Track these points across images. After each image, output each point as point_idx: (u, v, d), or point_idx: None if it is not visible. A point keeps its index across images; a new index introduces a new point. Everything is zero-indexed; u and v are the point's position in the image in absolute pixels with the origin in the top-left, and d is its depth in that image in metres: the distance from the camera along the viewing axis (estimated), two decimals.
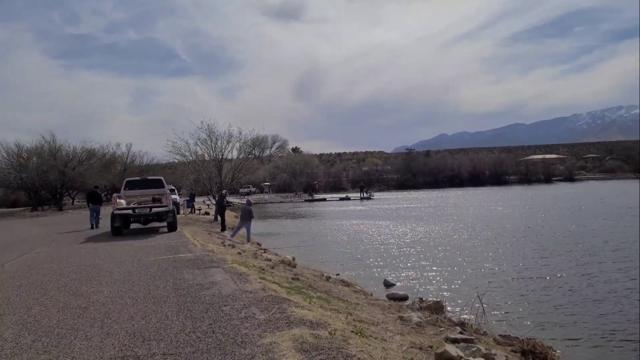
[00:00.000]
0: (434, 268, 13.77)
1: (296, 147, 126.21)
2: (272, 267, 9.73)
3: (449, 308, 8.35)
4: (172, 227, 16.36)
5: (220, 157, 26.35)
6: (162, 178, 18.03)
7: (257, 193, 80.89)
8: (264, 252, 15.57)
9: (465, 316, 7.29)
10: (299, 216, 38.40)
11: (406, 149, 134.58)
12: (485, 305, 8.03)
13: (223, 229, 21.07)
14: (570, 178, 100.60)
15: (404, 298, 10.32)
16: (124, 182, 17.69)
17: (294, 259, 16.02)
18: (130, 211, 15.35)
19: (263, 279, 7.40)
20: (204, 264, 8.74)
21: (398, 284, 11.89)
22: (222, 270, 7.90)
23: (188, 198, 33.47)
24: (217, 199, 23.40)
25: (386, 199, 58.75)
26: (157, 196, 17.01)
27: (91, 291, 6.65)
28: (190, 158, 26.65)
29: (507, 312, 8.75)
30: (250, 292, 6.06)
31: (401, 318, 5.91)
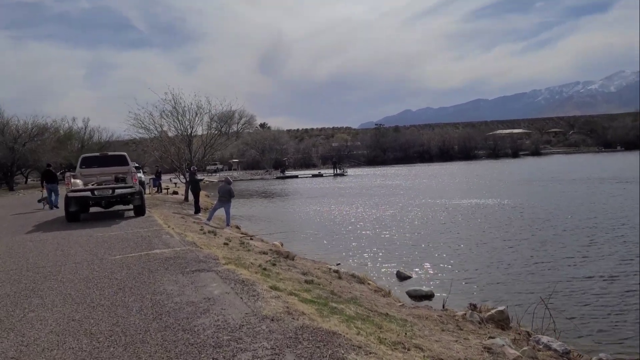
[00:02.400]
0: (437, 253, 12.20)
1: (264, 123, 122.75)
2: (273, 264, 7.76)
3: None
4: (139, 211, 14.03)
5: (190, 131, 23.72)
6: (125, 154, 15.49)
7: (225, 170, 77.91)
8: (250, 239, 13.56)
9: (547, 336, 5.58)
10: (273, 195, 36.31)
11: (375, 124, 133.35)
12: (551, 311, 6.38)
13: (197, 210, 18.81)
14: (536, 152, 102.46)
15: (430, 296, 8.64)
16: (80, 159, 15.05)
17: (282, 245, 14.24)
18: (88, 193, 12.88)
19: (275, 288, 5.44)
20: (189, 264, 6.66)
21: (414, 275, 10.21)
22: (216, 276, 5.87)
23: (154, 176, 30.68)
24: (188, 176, 20.99)
25: (360, 175, 57.34)
26: (120, 175, 14.54)
27: (28, 320, 4.49)
28: (155, 132, 23.88)
29: (580, 320, 7.09)
30: (272, 320, 4.10)
31: (488, 350, 4.14)
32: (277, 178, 60.77)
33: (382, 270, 11.02)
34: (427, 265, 11.15)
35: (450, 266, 10.90)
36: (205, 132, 25.17)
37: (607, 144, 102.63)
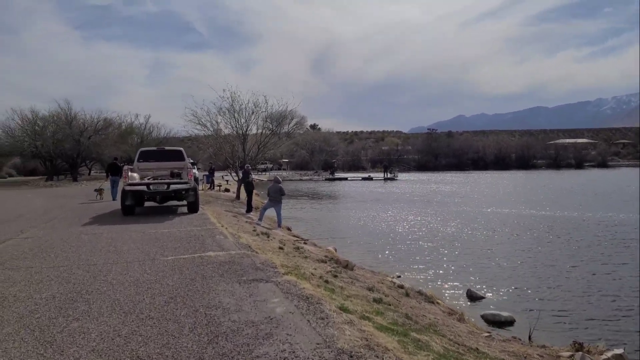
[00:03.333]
0: (510, 270, 10.94)
1: (314, 124, 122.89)
2: (334, 275, 7.00)
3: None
4: (193, 208, 13.74)
5: (245, 128, 23.50)
6: (182, 149, 15.32)
7: (275, 169, 78.40)
8: (304, 243, 12.90)
9: None
10: (323, 197, 35.67)
11: (428, 129, 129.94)
12: None
13: (249, 209, 18.44)
14: (603, 164, 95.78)
15: (510, 322, 7.55)
16: (138, 153, 15.02)
17: (335, 250, 13.52)
18: (144, 187, 12.71)
19: (344, 309, 4.65)
20: (246, 272, 6.02)
21: (488, 294, 9.10)
22: (276, 289, 5.16)
23: (207, 172, 30.90)
24: (241, 174, 20.72)
25: (412, 180, 55.62)
26: (176, 170, 14.34)
27: (70, 331, 3.96)
28: (211, 130, 23.83)
29: None
30: (351, 357, 3.31)
31: None
32: (326, 179, 60.20)
33: (447, 286, 10.00)
34: (500, 284, 10.00)
35: (527, 288, 9.69)
36: (259, 131, 24.90)
37: None
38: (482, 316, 7.72)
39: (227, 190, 29.44)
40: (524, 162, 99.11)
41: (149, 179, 13.84)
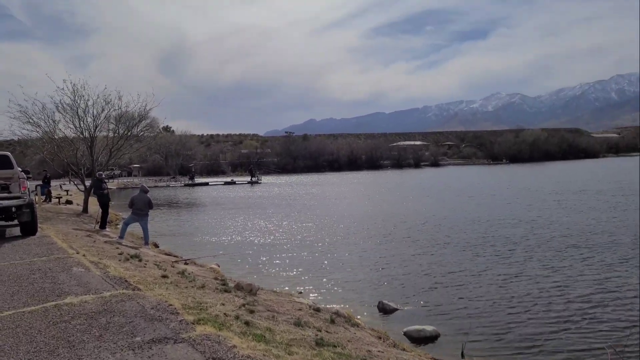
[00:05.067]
0: (403, 273, 10.77)
1: (168, 126, 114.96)
2: (251, 311, 5.53)
3: None
4: (30, 230, 10.62)
5: (94, 129, 19.77)
6: (8, 154, 11.79)
7: (124, 176, 70.74)
8: (185, 263, 10.94)
9: None
10: (185, 205, 32.75)
11: (285, 132, 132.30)
12: None
13: (103, 225, 15.40)
14: (436, 163, 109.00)
15: (435, 337, 7.01)
16: None
17: (219, 266, 11.89)
18: None
19: None
20: (136, 326, 4.21)
21: (398, 306, 8.51)
22: (196, 354, 3.57)
23: (41, 182, 25.66)
24: (92, 183, 17.29)
25: (277, 184, 55.26)
26: (2, 182, 10.94)
27: None
28: (47, 129, 19.43)
29: None
30: None
31: None
32: (186, 185, 56.25)
33: (351, 299, 9.22)
34: (400, 290, 9.60)
35: (424, 290, 9.45)
36: (109, 133, 21.29)
37: (494, 157, 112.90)
38: (406, 333, 7.04)
39: (68, 202, 24.80)
40: (373, 163, 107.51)
41: None
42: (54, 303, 5.01)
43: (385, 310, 8.29)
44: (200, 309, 5.05)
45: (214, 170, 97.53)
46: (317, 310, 7.07)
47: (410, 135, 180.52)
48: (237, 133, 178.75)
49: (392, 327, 7.39)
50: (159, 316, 4.52)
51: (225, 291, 6.69)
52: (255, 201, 32.82)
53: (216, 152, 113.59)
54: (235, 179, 63.72)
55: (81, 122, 19.66)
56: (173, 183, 59.25)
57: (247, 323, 4.84)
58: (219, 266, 12.06)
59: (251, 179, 58.28)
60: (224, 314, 5.01)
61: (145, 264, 8.77)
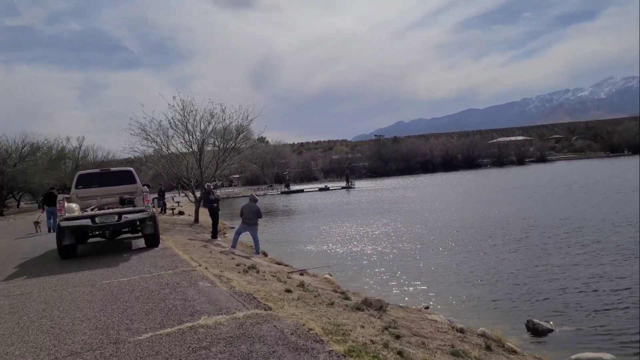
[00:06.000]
0: (547, 287, 9.23)
1: (262, 137, 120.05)
2: (396, 337, 4.79)
3: None
4: (153, 242, 10.99)
5: (201, 142, 20.68)
6: (132, 169, 12.46)
7: (226, 186, 74.77)
8: (301, 274, 10.59)
9: None
10: (284, 212, 33.26)
11: (375, 136, 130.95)
12: None
13: (214, 235, 15.79)
14: (542, 159, 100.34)
15: None
16: (76, 177, 12.00)
17: (330, 276, 11.42)
18: (87, 221, 9.81)
19: None
20: (281, 357, 3.69)
21: (553, 326, 7.19)
22: None
23: (157, 195, 27.59)
24: (201, 195, 17.93)
25: (370, 188, 54.42)
26: (127, 196, 11.51)
27: None
28: (163, 145, 20.70)
29: None
30: None
31: None
32: (282, 193, 57.73)
33: (494, 316, 8.06)
34: (547, 306, 8.20)
35: (585, 308, 7.92)
36: (215, 146, 22.17)
37: (613, 149, 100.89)
38: None
39: (181, 213, 26.34)
40: (470, 162, 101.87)
41: (92, 209, 10.94)
42: (189, 325, 4.69)
43: (536, 331, 7.04)
44: (343, 334, 4.40)
45: (306, 177, 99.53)
46: (462, 331, 6.11)
47: (510, 131, 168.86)
48: (327, 140, 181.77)
49: (553, 353, 6.16)
50: (302, 345, 3.94)
51: (358, 309, 6.02)
52: (354, 207, 32.29)
53: (308, 160, 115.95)
54: (329, 184, 64.01)
55: (190, 136, 20.65)
56: (270, 191, 61.16)
57: (400, 353, 4.09)
58: (331, 275, 11.61)
59: (347, 185, 58.09)
60: (371, 340, 4.31)
61: (264, 276, 8.48)
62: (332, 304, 6.15)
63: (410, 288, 10.37)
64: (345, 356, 3.70)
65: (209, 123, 20.55)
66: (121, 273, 7.93)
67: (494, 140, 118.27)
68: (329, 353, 3.74)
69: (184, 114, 20.09)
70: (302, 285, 7.93)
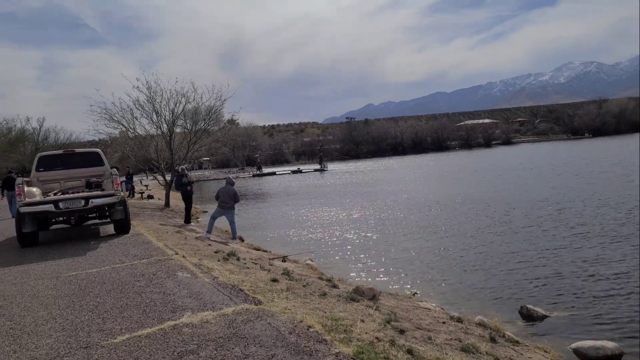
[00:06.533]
0: (537, 270, 9.15)
1: (232, 119, 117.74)
2: (401, 331, 4.43)
3: None
4: (123, 228, 10.25)
5: (172, 123, 19.68)
6: (99, 150, 11.56)
7: (195, 169, 73.03)
8: (283, 260, 10.15)
9: None
10: (257, 195, 32.62)
11: (347, 118, 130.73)
12: None
13: (187, 219, 15.10)
14: (508, 141, 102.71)
15: (617, 356, 5.52)
16: (37, 159, 11.02)
17: (312, 262, 11.11)
18: (50, 206, 8.99)
19: None
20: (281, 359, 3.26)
21: (547, 312, 7.03)
22: None
23: (124, 179, 26.36)
24: (174, 178, 17.09)
25: (344, 170, 54.24)
26: (94, 179, 10.69)
27: None
28: (129, 127, 19.57)
29: None
30: None
31: None
32: (254, 176, 56.86)
33: (485, 300, 7.89)
34: (539, 291, 8.08)
35: (580, 292, 7.82)
36: (185, 128, 21.25)
37: (575, 132, 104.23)
38: (576, 351, 5.62)
39: (150, 197, 25.28)
40: (439, 145, 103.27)
41: (55, 194, 10.09)
42: (171, 323, 4.18)
43: (530, 317, 6.88)
44: (345, 331, 4.00)
45: (278, 159, 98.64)
46: (459, 320, 5.84)
47: (476, 114, 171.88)
48: (298, 122, 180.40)
49: (551, 342, 5.98)
50: (304, 346, 3.51)
51: (352, 300, 5.63)
52: (329, 190, 31.97)
53: (279, 142, 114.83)
54: (302, 167, 63.48)
55: (159, 117, 19.64)
56: (242, 174, 60.13)
57: (410, 352, 3.72)
58: (312, 261, 11.25)
59: (320, 167, 57.71)
60: (376, 338, 3.93)
61: (246, 264, 7.99)
62: (324, 294, 5.74)
63: (395, 274, 10.12)
64: (354, 359, 3.29)
65: (179, 103, 19.57)
66: (89, 263, 7.26)
67: (462, 123, 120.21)
68: (336, 356, 3.33)
69: (150, 94, 19.06)
70: (287, 273, 7.50)
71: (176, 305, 4.73)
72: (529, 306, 7.04)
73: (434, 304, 7.48)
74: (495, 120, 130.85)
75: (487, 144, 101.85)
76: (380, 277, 9.93)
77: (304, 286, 6.34)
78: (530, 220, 14.31)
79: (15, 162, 38.14)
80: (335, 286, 7.42)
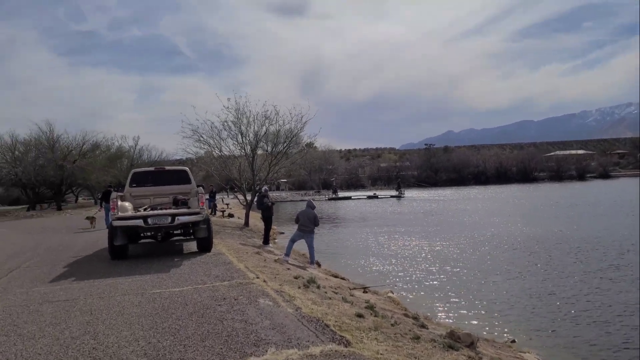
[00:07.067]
0: None
1: (310, 143, 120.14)
2: None
3: None
4: (205, 246, 10.32)
5: (255, 144, 20.17)
6: (187, 169, 11.94)
7: (273, 190, 75.00)
8: (364, 291, 9.59)
9: None
10: (332, 219, 32.27)
11: (425, 145, 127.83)
12: None
13: (266, 240, 15.06)
14: (605, 175, 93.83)
15: None
16: (130, 175, 11.61)
17: (392, 293, 10.38)
18: (139, 221, 9.27)
19: None
20: None
21: None
22: None
23: (208, 196, 27.45)
24: (257, 199, 17.29)
25: (423, 198, 52.49)
26: (181, 196, 10.97)
27: None
28: (216, 147, 20.38)
29: None
30: None
31: None
32: (330, 199, 56.91)
33: (585, 353, 6.69)
34: None
35: None
36: (268, 148, 21.67)
37: None
38: None
39: (230, 215, 26.01)
40: (525, 175, 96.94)
41: (145, 209, 10.45)
42: (253, 359, 3.80)
43: None
44: None
45: (353, 184, 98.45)
46: None
47: (567, 144, 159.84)
48: (374, 147, 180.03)
49: None
50: None
51: (450, 347, 4.91)
52: (407, 217, 30.85)
53: (355, 166, 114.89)
54: (378, 192, 62.54)
55: (243, 138, 20.20)
56: (317, 197, 60.51)
57: None
58: (394, 294, 10.53)
59: (397, 193, 56.46)
60: None
61: (326, 293, 7.53)
62: (417, 337, 5.08)
63: (487, 316, 9.10)
64: None
65: (262, 125, 20.00)
66: (172, 281, 7.23)
67: (552, 154, 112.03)
68: None
69: (237, 115, 19.70)
70: (370, 307, 6.92)
71: (259, 338, 4.36)
72: None
73: (537, 357, 6.46)
74: (590, 152, 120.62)
75: (581, 176, 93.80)
76: (470, 319, 8.97)
77: (392, 325, 5.72)
78: None
79: (113, 177, 41.49)
80: (423, 326, 6.72)
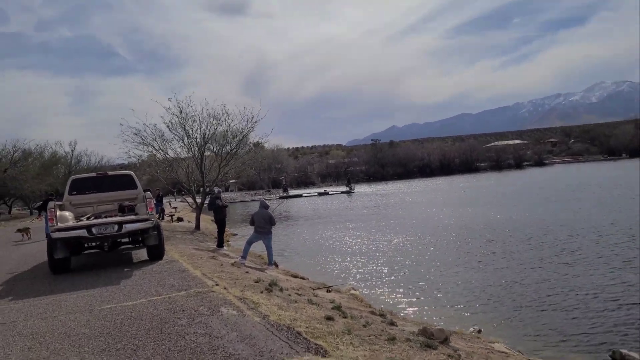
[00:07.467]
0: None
1: (258, 142, 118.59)
2: None
3: None
4: (157, 254, 9.69)
5: (203, 146, 19.38)
6: (132, 173, 11.17)
7: (222, 191, 73.38)
8: (327, 291, 9.39)
9: None
10: (284, 218, 31.95)
11: (372, 140, 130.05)
12: None
13: (220, 244, 14.51)
14: (540, 163, 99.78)
15: None
16: (69, 183, 10.66)
17: (354, 290, 10.31)
18: (83, 232, 8.51)
19: None
20: None
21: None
22: None
23: (155, 201, 26.17)
24: (208, 200, 16.62)
25: (372, 193, 53.28)
26: (127, 203, 10.24)
27: None
28: (160, 150, 19.38)
29: None
30: None
31: None
32: (281, 198, 56.43)
33: (551, 342, 6.88)
34: (634, 332, 7.03)
35: None
36: (211, 151, 20.91)
37: (611, 152, 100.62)
38: None
39: (179, 219, 24.98)
40: (468, 166, 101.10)
41: (88, 218, 9.65)
42: None
43: None
44: None
45: (303, 181, 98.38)
46: None
47: (504, 135, 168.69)
48: (322, 144, 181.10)
49: None
50: None
51: (428, 346, 4.79)
52: (359, 213, 31.09)
53: (304, 164, 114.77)
54: (328, 189, 62.83)
55: (190, 140, 19.39)
56: (268, 196, 59.81)
57: None
58: (355, 290, 10.43)
59: (347, 189, 56.95)
60: None
61: (290, 295, 7.26)
62: (392, 338, 4.92)
63: (449, 306, 9.19)
64: None
65: (210, 125, 19.28)
66: (124, 294, 6.66)
67: (491, 144, 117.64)
68: None
69: (181, 116, 18.87)
70: (337, 307, 6.73)
71: (227, 353, 4.01)
72: (623, 351, 6.03)
73: (506, 346, 6.54)
74: (525, 142, 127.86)
75: (518, 165, 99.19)
76: (434, 311, 9.02)
77: (364, 326, 5.54)
78: (602, 248, 13.10)
79: (49, 185, 38.76)
80: (392, 323, 6.60)
